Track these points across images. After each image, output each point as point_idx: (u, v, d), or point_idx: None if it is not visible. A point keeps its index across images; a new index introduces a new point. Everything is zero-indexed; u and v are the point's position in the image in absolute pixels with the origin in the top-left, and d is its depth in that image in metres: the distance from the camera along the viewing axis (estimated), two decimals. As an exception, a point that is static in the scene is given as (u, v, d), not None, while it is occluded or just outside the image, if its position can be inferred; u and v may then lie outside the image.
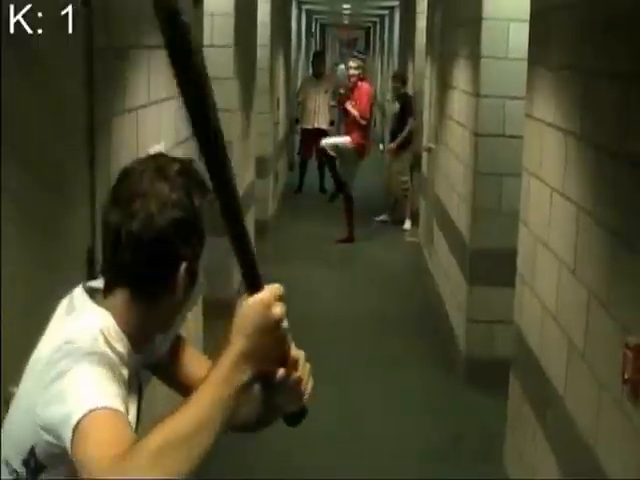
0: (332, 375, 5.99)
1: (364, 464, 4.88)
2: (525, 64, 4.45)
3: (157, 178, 1.59)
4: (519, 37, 5.43)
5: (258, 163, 9.30)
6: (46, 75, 2.61)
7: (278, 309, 1.46)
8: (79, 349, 1.49)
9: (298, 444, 4.59)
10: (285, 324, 1.49)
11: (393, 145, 11.01)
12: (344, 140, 10.32)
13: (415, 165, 10.73)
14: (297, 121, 13.49)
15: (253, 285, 1.47)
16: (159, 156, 1.71)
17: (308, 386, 1.60)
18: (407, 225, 10.96)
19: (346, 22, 30.88)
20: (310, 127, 12.92)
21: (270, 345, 1.47)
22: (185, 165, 1.65)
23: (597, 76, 3.17)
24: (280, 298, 1.48)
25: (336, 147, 10.31)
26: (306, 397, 1.60)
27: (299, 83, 15.28)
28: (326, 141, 10.63)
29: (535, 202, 4.10)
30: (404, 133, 10.90)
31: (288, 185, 13.51)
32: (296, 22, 16.48)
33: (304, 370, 1.59)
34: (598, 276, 3.05)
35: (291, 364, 1.55)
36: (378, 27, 25.55)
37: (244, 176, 7.99)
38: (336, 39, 42.29)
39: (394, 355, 6.64)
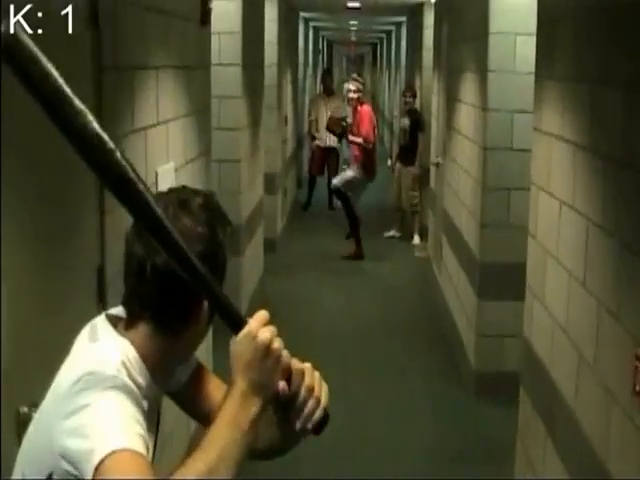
0: (340, 386, 5.98)
1: (372, 474, 4.89)
2: (532, 78, 4.46)
3: (181, 212, 1.59)
4: (526, 51, 5.45)
5: (267, 180, 9.33)
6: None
7: (265, 334, 1.51)
8: (101, 381, 1.49)
9: (305, 455, 4.59)
10: (277, 344, 1.52)
11: (415, 170, 10.98)
12: (352, 173, 10.25)
13: (423, 180, 10.74)
14: (313, 138, 13.50)
15: (236, 325, 1.53)
16: (182, 189, 1.71)
17: (322, 391, 1.61)
18: (416, 240, 10.95)
19: (353, 38, 30.97)
20: (322, 145, 13.01)
21: (268, 371, 1.52)
22: (207, 199, 1.67)
23: (604, 86, 3.17)
24: (266, 323, 1.53)
25: (347, 182, 10.18)
26: (324, 402, 1.61)
27: (307, 100, 15.30)
28: (338, 181, 10.40)
29: (544, 215, 4.10)
30: (419, 151, 10.88)
31: (296, 202, 13.54)
32: (303, 39, 16.55)
33: (313, 379, 1.60)
34: (608, 288, 3.04)
35: (296, 377, 1.57)
36: (385, 43, 25.63)
37: (253, 193, 8.02)
38: (343, 56, 42.41)
39: (403, 368, 6.64)
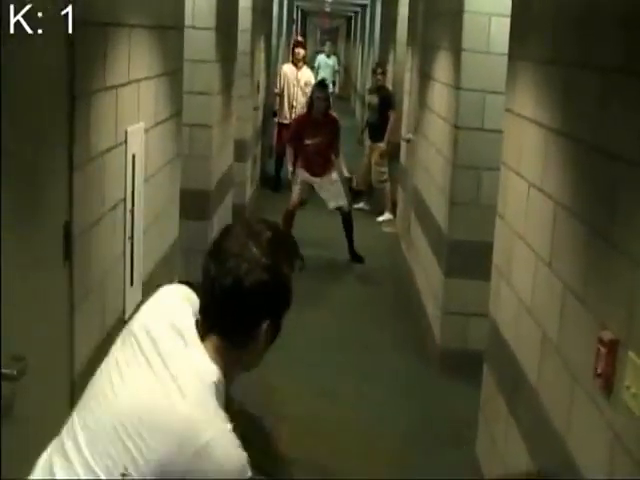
0: (305, 360, 5.98)
1: (338, 447, 4.89)
2: (506, 59, 4.45)
3: (252, 242, 1.81)
4: (500, 31, 5.44)
5: (237, 147, 9.25)
6: (29, 47, 2.57)
7: None
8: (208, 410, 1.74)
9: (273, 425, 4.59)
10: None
11: (382, 145, 10.89)
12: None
13: (394, 155, 10.71)
14: (274, 114, 12.87)
15: None
16: (258, 222, 1.92)
17: None
18: (386, 216, 10.93)
19: (328, 10, 30.80)
20: (287, 122, 12.24)
21: None
22: (278, 234, 1.88)
23: (577, 70, 3.17)
24: None
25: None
26: None
27: (279, 69, 14.77)
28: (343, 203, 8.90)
29: (512, 196, 4.10)
30: (389, 130, 10.81)
31: (264, 171, 13.41)
32: (278, 8, 16.38)
33: None
34: (574, 270, 3.06)
35: None
36: (360, 16, 25.51)
37: (223, 159, 7.96)
38: (317, 27, 42.16)
39: (369, 343, 6.65)
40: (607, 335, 2.61)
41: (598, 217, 2.84)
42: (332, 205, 8.82)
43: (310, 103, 9.08)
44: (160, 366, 1.77)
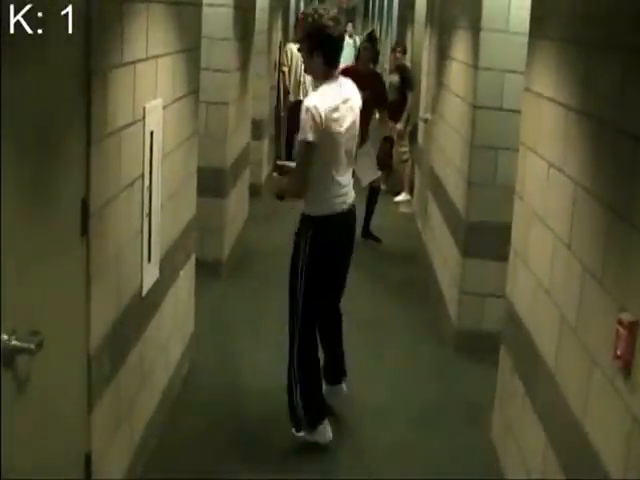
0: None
1: (352, 427, 4.91)
2: (525, 38, 4.40)
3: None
4: (520, 10, 5.40)
5: (254, 126, 9.23)
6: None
7: None
8: None
9: (284, 404, 4.62)
10: None
11: (400, 126, 10.70)
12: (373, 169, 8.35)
13: (412, 135, 10.66)
14: (287, 92, 12.62)
15: None
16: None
17: None
18: (403, 196, 10.89)
19: (346, -11, 30.61)
20: (295, 100, 11.94)
21: None
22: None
23: (599, 50, 3.13)
24: None
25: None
26: None
27: (285, 48, 14.24)
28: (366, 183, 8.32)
29: (531, 176, 4.07)
30: (407, 109, 10.73)
31: (281, 148, 13.36)
32: (296, -14, 16.28)
33: None
34: (593, 252, 3.03)
35: None
36: (378, -5, 25.33)
37: (240, 137, 7.94)
38: (335, 6, 41.96)
39: (385, 323, 6.64)
40: (627, 317, 2.59)
41: (618, 198, 2.81)
42: (366, 181, 8.22)
43: (357, 55, 9.45)
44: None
